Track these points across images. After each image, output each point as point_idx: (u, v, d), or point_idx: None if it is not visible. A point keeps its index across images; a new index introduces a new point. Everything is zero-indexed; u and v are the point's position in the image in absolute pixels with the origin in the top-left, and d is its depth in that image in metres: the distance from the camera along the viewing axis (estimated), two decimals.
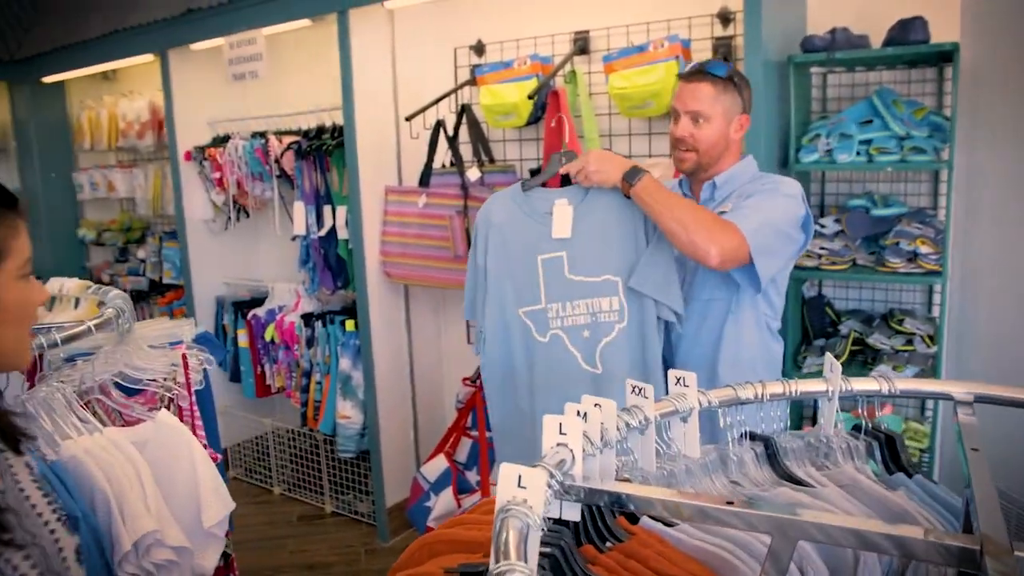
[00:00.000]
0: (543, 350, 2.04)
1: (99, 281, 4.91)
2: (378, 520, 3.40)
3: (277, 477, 3.98)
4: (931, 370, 2.28)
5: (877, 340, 2.39)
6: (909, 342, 2.38)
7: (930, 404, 2.52)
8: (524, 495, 0.85)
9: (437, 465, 3.15)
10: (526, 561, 0.77)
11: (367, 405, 3.30)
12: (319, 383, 3.53)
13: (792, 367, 2.46)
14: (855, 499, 1.18)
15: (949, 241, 2.31)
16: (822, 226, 2.44)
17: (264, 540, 3.47)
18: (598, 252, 1.97)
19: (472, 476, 3.15)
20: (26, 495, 1.02)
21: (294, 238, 3.57)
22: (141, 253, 4.78)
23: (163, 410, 1.63)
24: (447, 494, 3.06)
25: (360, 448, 3.45)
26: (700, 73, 1.92)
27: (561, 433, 1.00)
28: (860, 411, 1.31)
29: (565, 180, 2.03)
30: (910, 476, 1.23)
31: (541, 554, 0.92)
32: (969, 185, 2.38)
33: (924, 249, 2.24)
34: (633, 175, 1.84)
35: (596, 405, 1.07)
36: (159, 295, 4.66)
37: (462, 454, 3.20)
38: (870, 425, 1.30)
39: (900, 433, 1.28)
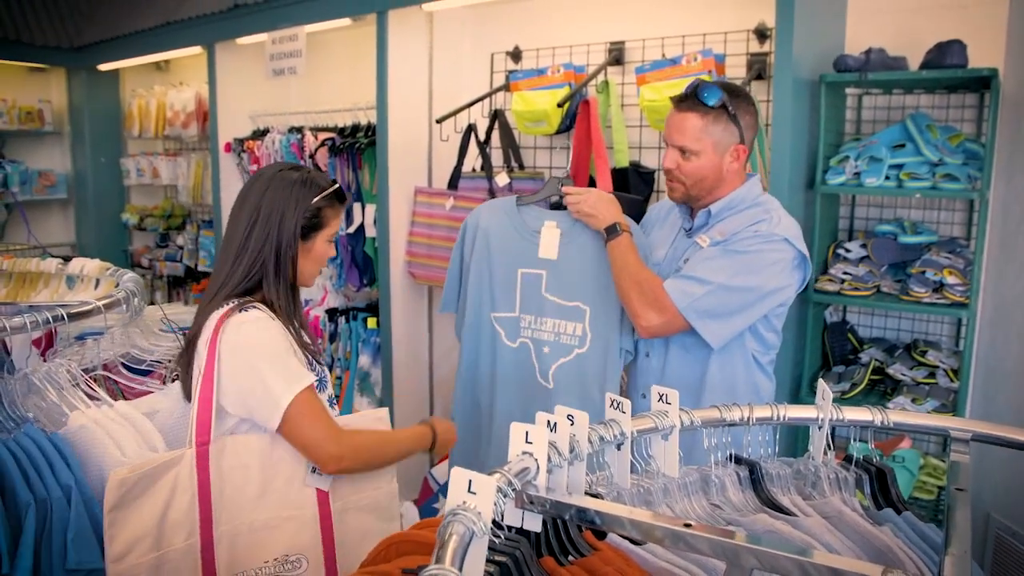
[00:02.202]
0: (511, 354, 2.19)
1: (138, 265, 5.05)
2: None
3: None
4: (952, 405, 2.20)
5: (897, 371, 2.32)
6: (932, 375, 2.30)
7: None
8: (473, 501, 0.85)
9: (448, 467, 3.15)
10: (461, 568, 0.76)
11: (384, 402, 3.32)
12: (339, 378, 3.56)
13: (808, 393, 2.40)
14: (838, 532, 1.14)
15: (981, 273, 2.24)
16: (847, 250, 2.38)
17: None
18: (575, 279, 2.09)
19: None
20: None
21: None
22: (180, 240, 4.89)
23: (177, 382, 1.66)
24: None
25: None
26: (688, 102, 1.82)
27: (527, 442, 0.99)
28: (880, 443, 1.28)
29: (559, 202, 2.13)
30: (899, 512, 1.18)
31: (494, 562, 0.91)
32: (1005, 217, 2.30)
33: (951, 280, 2.16)
34: (613, 231, 1.94)
35: (569, 417, 1.05)
36: (194, 282, 4.76)
37: None
38: (862, 456, 1.26)
39: (891, 468, 1.23)
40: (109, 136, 5.12)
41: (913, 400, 2.20)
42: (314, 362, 1.62)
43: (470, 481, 0.85)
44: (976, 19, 2.34)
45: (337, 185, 1.63)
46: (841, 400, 2.31)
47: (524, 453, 0.98)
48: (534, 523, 1.00)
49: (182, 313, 2.05)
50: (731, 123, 1.81)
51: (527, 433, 0.99)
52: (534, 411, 2.24)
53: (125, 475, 1.32)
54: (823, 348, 2.55)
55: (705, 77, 2.52)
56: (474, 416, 2.28)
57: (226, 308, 1.50)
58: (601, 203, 1.99)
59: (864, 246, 2.38)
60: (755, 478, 1.25)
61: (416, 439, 1.68)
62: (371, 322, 3.44)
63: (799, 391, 2.41)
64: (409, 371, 3.34)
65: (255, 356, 1.47)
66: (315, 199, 1.57)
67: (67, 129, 5.26)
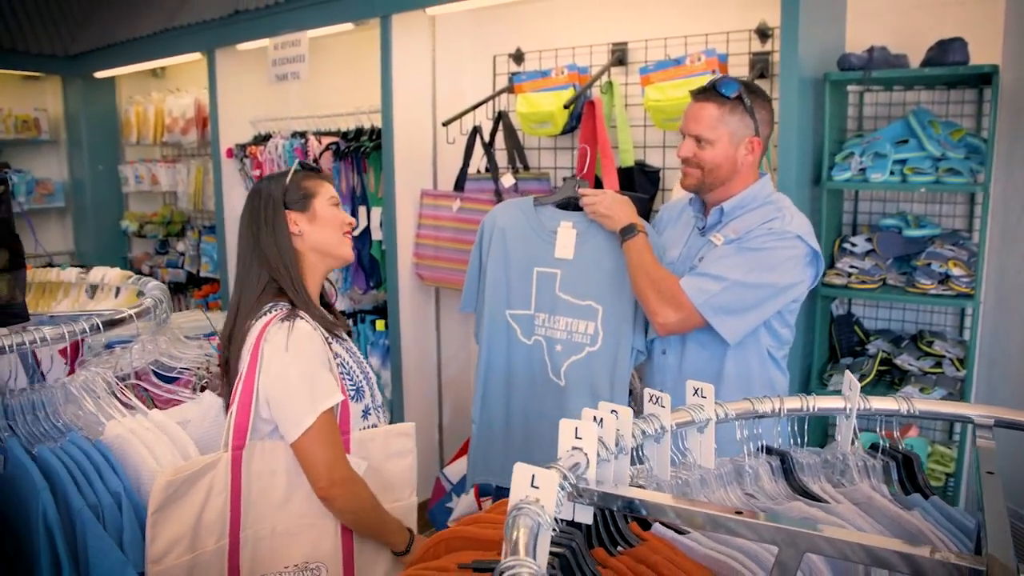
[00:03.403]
0: (525, 351, 2.23)
1: (139, 272, 5.05)
2: None
3: None
4: (959, 394, 2.26)
5: (905, 361, 2.37)
6: (938, 364, 2.36)
7: (957, 428, 2.49)
8: (537, 495, 0.88)
9: (460, 467, 3.17)
10: (535, 558, 0.79)
11: (393, 405, 3.35)
12: None
13: (818, 385, 2.45)
14: (869, 517, 1.19)
15: (983, 264, 2.29)
16: (853, 245, 2.43)
17: None
18: (588, 278, 2.13)
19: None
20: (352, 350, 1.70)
21: None
22: (180, 246, 4.90)
23: (207, 391, 1.69)
24: (469, 496, 3.09)
25: None
26: (706, 92, 1.87)
27: (577, 437, 1.02)
28: (890, 431, 1.33)
29: (574, 203, 2.17)
30: (926, 497, 1.23)
31: (552, 554, 0.94)
32: (1006, 209, 2.35)
33: (956, 271, 2.22)
34: (629, 231, 1.98)
35: (613, 412, 1.09)
36: (196, 288, 4.77)
37: None
38: (888, 444, 1.31)
39: (918, 454, 1.28)
40: (106, 143, 5.12)
41: (921, 389, 2.25)
42: (353, 369, 1.65)
43: (533, 476, 0.89)
44: (973, 16, 2.39)
45: (298, 162, 1.70)
46: None
47: (574, 448, 1.02)
48: (585, 515, 1.03)
49: (204, 319, 2.08)
50: (747, 115, 1.85)
51: (576, 429, 1.03)
52: (547, 408, 2.30)
53: (171, 477, 1.36)
54: (830, 341, 2.60)
55: (709, 77, 2.57)
56: (492, 412, 2.33)
57: (272, 315, 1.55)
58: (617, 204, 2.03)
59: (869, 240, 2.43)
60: (786, 467, 1.29)
61: (396, 531, 1.65)
62: (379, 324, 3.47)
63: (808, 383, 2.46)
64: (418, 372, 3.37)
65: (290, 367, 1.51)
66: (286, 180, 1.65)
67: (63, 137, 5.25)
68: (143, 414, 1.54)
